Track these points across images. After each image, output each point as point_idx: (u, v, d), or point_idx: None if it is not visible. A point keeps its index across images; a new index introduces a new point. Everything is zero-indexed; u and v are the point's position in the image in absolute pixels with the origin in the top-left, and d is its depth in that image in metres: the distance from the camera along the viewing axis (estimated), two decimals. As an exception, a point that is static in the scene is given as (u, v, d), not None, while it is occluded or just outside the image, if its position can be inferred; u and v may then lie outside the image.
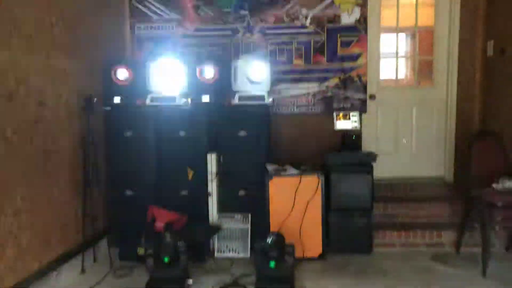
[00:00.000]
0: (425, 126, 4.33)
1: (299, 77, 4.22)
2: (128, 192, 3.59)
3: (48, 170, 2.98)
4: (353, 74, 4.17)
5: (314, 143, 4.13)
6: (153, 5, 4.22)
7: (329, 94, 4.20)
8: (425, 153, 4.34)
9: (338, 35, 4.14)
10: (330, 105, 4.19)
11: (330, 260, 3.42)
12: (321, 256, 3.42)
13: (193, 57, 4.19)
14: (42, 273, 2.86)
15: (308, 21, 4.16)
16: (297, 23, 4.17)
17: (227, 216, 3.60)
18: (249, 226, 3.56)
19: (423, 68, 4.57)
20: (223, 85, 3.79)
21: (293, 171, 3.49)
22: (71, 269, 3.16)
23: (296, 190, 3.38)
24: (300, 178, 3.40)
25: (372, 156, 3.61)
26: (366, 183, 3.52)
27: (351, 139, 3.77)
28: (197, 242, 3.33)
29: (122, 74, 3.64)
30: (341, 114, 3.78)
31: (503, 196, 3.09)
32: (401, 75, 4.69)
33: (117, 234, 3.57)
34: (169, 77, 3.64)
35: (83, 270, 3.23)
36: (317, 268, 3.28)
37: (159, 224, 3.26)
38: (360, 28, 4.12)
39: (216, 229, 3.53)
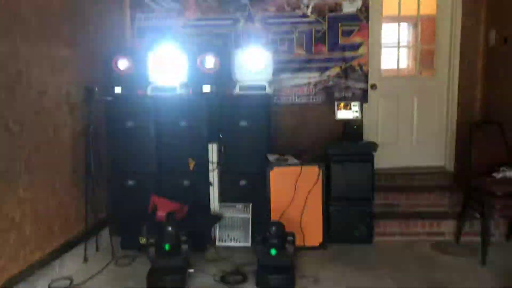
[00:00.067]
0: (426, 116, 4.32)
1: (300, 66, 4.20)
2: (130, 182, 3.61)
3: (50, 160, 2.99)
4: (355, 63, 4.15)
5: (315, 133, 4.14)
6: (153, -6, 4.20)
7: (330, 83, 4.19)
8: (426, 142, 4.34)
9: (340, 24, 4.11)
10: (331, 95, 4.18)
11: (331, 249, 3.44)
12: (322, 245, 3.44)
13: (193, 47, 4.17)
14: (45, 262, 2.90)
15: (310, 10, 4.13)
16: (298, 12, 4.14)
17: (228, 205, 3.63)
18: (250, 215, 3.58)
19: (424, 57, 4.55)
20: (224, 75, 3.79)
21: (294, 161, 3.49)
22: (73, 258, 3.19)
23: (297, 180, 3.39)
24: (301, 168, 3.40)
25: (373, 146, 3.62)
26: (366, 173, 3.53)
27: (352, 129, 3.77)
28: (199, 231, 3.35)
29: (123, 64, 3.64)
30: (342, 104, 3.77)
31: (502, 185, 3.10)
32: (403, 65, 4.67)
33: (119, 224, 3.60)
34: (169, 67, 3.63)
35: (85, 259, 3.26)
36: (318, 257, 3.31)
37: (161, 214, 3.29)
38: (361, 17, 4.09)
39: (217, 218, 3.55)
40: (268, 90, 3.64)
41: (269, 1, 4.13)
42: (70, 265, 3.13)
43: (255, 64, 3.64)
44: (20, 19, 2.68)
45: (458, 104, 4.18)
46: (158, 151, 3.63)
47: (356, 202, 3.56)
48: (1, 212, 2.51)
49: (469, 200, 3.38)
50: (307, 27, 4.14)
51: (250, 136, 3.61)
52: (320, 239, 3.45)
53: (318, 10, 4.11)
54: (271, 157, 3.53)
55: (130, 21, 4.25)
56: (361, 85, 4.17)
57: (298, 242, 3.13)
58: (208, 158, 3.58)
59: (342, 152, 3.61)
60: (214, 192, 3.62)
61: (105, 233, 3.59)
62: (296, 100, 4.22)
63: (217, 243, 3.56)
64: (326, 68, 4.18)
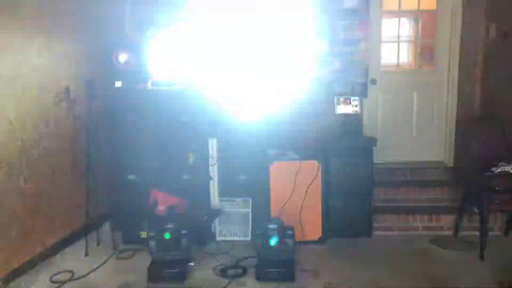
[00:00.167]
0: (426, 111, 4.32)
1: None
2: (131, 176, 3.62)
3: (51, 154, 3.01)
4: (354, 58, 4.14)
5: (315, 128, 4.13)
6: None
7: (330, 78, 4.18)
8: (425, 137, 4.34)
9: (340, 19, 4.10)
10: (331, 90, 4.17)
11: (330, 243, 3.47)
12: (321, 239, 3.46)
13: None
14: (47, 255, 2.93)
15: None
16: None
17: (228, 200, 3.64)
18: (250, 210, 3.60)
19: (424, 52, 4.54)
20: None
21: (293, 156, 3.51)
22: (75, 252, 3.23)
23: (297, 175, 3.40)
24: (301, 162, 3.41)
25: (372, 141, 3.63)
26: (366, 168, 3.54)
27: (352, 124, 3.78)
28: (199, 225, 3.37)
29: (123, 58, 3.63)
30: (341, 99, 3.78)
31: (501, 180, 3.12)
32: (403, 59, 4.65)
33: (120, 218, 3.61)
34: (170, 61, 3.63)
35: (87, 253, 3.28)
36: (317, 251, 3.33)
37: (161, 208, 3.30)
38: (362, 12, 4.07)
39: (217, 213, 3.57)
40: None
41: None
42: (72, 259, 3.16)
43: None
44: (21, 12, 2.68)
45: (458, 99, 4.18)
46: (159, 145, 3.62)
47: (355, 197, 3.58)
48: (3, 205, 2.53)
49: (468, 195, 3.40)
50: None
51: (250, 132, 3.62)
52: (320, 233, 3.47)
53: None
54: (271, 152, 3.55)
55: (130, 14, 4.24)
56: (360, 80, 4.16)
57: (298, 236, 3.15)
58: (208, 153, 3.59)
59: (341, 146, 3.62)
60: (214, 187, 3.64)
61: (106, 227, 3.61)
62: (296, 94, 4.21)
63: (217, 238, 3.58)
64: (326, 63, 4.17)
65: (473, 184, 3.31)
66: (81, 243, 3.30)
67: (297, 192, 3.41)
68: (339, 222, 3.57)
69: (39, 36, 2.88)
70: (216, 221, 3.58)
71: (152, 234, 2.93)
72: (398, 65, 4.45)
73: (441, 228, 3.64)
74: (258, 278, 2.87)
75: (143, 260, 3.07)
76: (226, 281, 2.86)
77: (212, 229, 3.61)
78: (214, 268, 3.03)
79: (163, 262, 2.90)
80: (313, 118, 4.19)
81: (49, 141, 2.99)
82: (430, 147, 4.35)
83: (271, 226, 2.90)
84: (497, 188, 3.06)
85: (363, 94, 4.13)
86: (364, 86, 4.18)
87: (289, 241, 2.92)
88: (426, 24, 4.52)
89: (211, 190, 3.64)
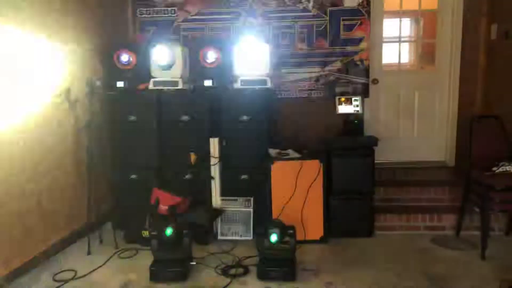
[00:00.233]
0: (427, 110, 4.33)
1: (302, 61, 4.22)
2: (132, 176, 3.63)
3: (53, 154, 3.03)
4: (356, 58, 4.16)
5: (316, 128, 4.15)
6: (155, -11, 4.21)
7: (331, 78, 4.20)
8: (427, 137, 4.36)
9: (341, 19, 4.12)
10: (332, 90, 4.19)
11: (331, 242, 3.47)
12: (322, 239, 3.47)
13: (195, 41, 4.19)
14: (49, 254, 2.94)
15: (311, 4, 4.13)
16: (300, 6, 4.14)
17: (230, 199, 3.65)
18: (251, 209, 3.61)
19: (425, 52, 4.55)
20: (226, 69, 3.80)
21: (295, 155, 3.51)
22: (77, 251, 3.24)
23: (298, 174, 3.41)
24: (302, 162, 3.42)
25: (373, 140, 3.63)
26: (367, 167, 3.55)
27: (353, 124, 3.79)
28: (200, 225, 3.38)
29: (125, 58, 3.65)
30: (343, 99, 3.79)
31: (502, 179, 3.12)
32: (404, 59, 4.67)
33: (122, 217, 3.63)
34: (171, 61, 3.64)
35: (89, 252, 3.30)
36: (318, 250, 3.33)
37: (163, 207, 3.31)
38: (363, 12, 4.09)
39: (219, 212, 3.58)
40: (269, 85, 3.65)
41: (270, -5, 4.14)
42: (74, 258, 3.17)
43: (255, 58, 3.64)
44: (23, 12, 2.69)
45: (459, 98, 4.20)
46: (160, 145, 3.65)
47: (357, 196, 3.58)
48: (5, 204, 2.54)
49: (469, 194, 3.40)
50: (308, 22, 4.15)
51: (251, 130, 3.62)
52: (321, 233, 3.47)
53: (320, 5, 4.11)
54: (272, 151, 3.55)
55: (132, 15, 4.26)
56: (362, 79, 4.18)
57: (299, 236, 3.15)
58: (209, 152, 3.60)
59: (342, 146, 3.62)
60: (215, 186, 3.65)
61: (108, 227, 3.63)
62: (297, 94, 4.24)
63: (219, 237, 3.58)
64: (327, 63, 4.20)
65: (474, 184, 3.31)
66: (83, 242, 3.31)
67: (299, 191, 3.41)
68: (340, 222, 3.57)
69: (41, 37, 2.89)
70: (218, 220, 3.59)
71: (154, 233, 2.94)
72: (399, 65, 4.46)
73: (443, 228, 3.64)
74: (259, 277, 2.87)
75: (145, 259, 3.08)
76: (228, 280, 2.87)
77: (214, 229, 3.62)
78: (216, 267, 3.04)
79: (165, 261, 2.91)
80: (314, 117, 4.21)
81: (51, 141, 3.01)
82: (431, 146, 4.36)
83: (272, 225, 2.90)
84: (498, 188, 3.05)
85: (364, 94, 4.14)
86: (366, 86, 4.19)
87: (290, 240, 2.92)
88: (428, 24, 4.54)
89: (213, 190, 3.65)
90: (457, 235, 3.55)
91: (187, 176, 3.66)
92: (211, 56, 3.69)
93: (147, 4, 4.22)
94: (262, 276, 2.87)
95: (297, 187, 3.41)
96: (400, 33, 4.39)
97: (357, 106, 3.77)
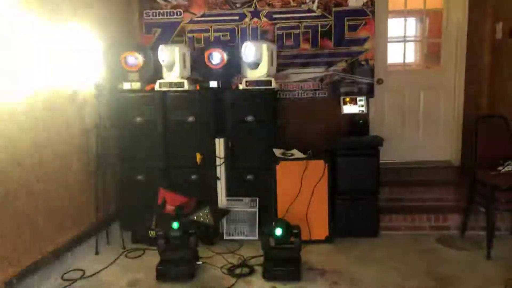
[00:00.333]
0: (433, 110, 4.33)
1: (306, 61, 4.22)
2: (139, 177, 3.67)
3: (61, 154, 3.07)
4: (361, 58, 4.16)
5: (321, 128, 4.16)
6: (161, -10, 4.24)
7: (336, 78, 4.20)
8: (432, 137, 4.35)
9: (346, 19, 4.12)
10: (337, 90, 4.19)
11: (337, 242, 3.48)
12: (328, 239, 3.48)
13: (200, 42, 4.23)
14: (58, 254, 2.98)
15: (315, 5, 4.14)
16: (304, 7, 4.15)
17: (235, 199, 3.68)
18: (257, 209, 3.63)
19: (431, 51, 4.54)
20: (231, 70, 3.83)
21: (300, 155, 3.53)
22: (85, 251, 3.28)
23: (303, 174, 3.42)
24: (307, 162, 3.44)
25: (378, 140, 3.63)
26: (372, 167, 3.55)
27: (358, 124, 3.79)
28: (206, 224, 3.41)
29: (131, 60, 3.68)
30: (348, 99, 3.79)
31: (507, 179, 3.11)
32: (409, 59, 4.66)
33: (129, 217, 3.66)
34: (177, 62, 3.68)
35: (97, 252, 3.35)
36: (324, 250, 3.35)
37: (170, 207, 3.35)
38: (367, 12, 4.09)
39: (225, 212, 3.61)
40: (274, 85, 3.67)
41: (275, -4, 4.15)
42: (82, 257, 3.22)
43: (260, 59, 3.66)
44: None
45: (465, 97, 4.18)
46: (167, 146, 3.69)
47: (362, 196, 3.59)
48: (16, 205, 2.59)
49: (474, 194, 3.39)
50: (313, 22, 4.16)
51: (256, 131, 3.64)
52: (326, 233, 3.49)
53: (324, 5, 4.12)
54: (277, 152, 3.57)
55: (138, 17, 4.30)
56: (367, 79, 4.18)
57: (304, 235, 3.18)
58: (215, 153, 3.63)
59: (347, 146, 3.63)
60: (221, 186, 3.68)
61: (115, 227, 3.67)
62: (302, 94, 4.25)
63: (225, 237, 3.61)
64: (332, 63, 4.20)
65: (480, 184, 3.30)
66: (91, 242, 3.35)
67: (304, 191, 3.43)
68: (345, 222, 3.58)
69: (50, 39, 2.94)
70: (224, 220, 3.62)
71: (160, 233, 2.97)
72: (404, 64, 4.46)
73: (448, 228, 3.64)
74: (264, 277, 2.90)
75: (151, 259, 3.11)
76: (233, 279, 2.90)
77: (220, 229, 3.65)
78: (222, 267, 3.07)
79: (171, 261, 2.94)
80: (319, 118, 4.22)
81: (60, 143, 3.05)
82: (437, 146, 4.35)
83: (278, 224, 2.92)
84: (503, 187, 3.05)
85: (369, 94, 4.14)
86: (371, 85, 4.19)
87: (295, 240, 2.94)
88: (433, 23, 4.53)
89: (219, 190, 3.68)
90: (462, 235, 3.55)
91: (193, 177, 3.69)
92: (216, 57, 3.72)
93: (153, 7, 4.26)
94: (268, 275, 2.89)
95: (302, 187, 3.43)
96: (405, 32, 4.38)
97: (362, 106, 3.78)
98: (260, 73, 3.68)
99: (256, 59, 3.65)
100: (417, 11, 4.53)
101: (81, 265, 3.11)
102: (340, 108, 3.80)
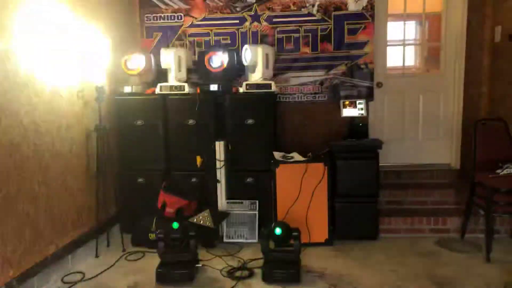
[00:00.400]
0: (432, 113, 4.34)
1: (306, 65, 4.24)
2: (140, 179, 3.69)
3: (63, 157, 3.09)
4: (360, 61, 4.18)
5: (321, 131, 4.18)
6: (162, -6, 4.28)
7: (336, 81, 4.22)
8: (431, 140, 4.36)
9: (345, 23, 4.14)
10: (336, 93, 4.21)
11: (336, 245, 3.49)
12: (327, 242, 3.49)
13: (201, 46, 4.26)
14: (58, 256, 3.00)
15: (315, 9, 4.16)
16: (304, 11, 4.17)
17: (235, 202, 3.69)
18: (256, 212, 3.64)
19: (430, 55, 4.56)
20: (231, 73, 3.86)
21: (299, 158, 3.55)
22: (85, 253, 3.30)
23: (303, 177, 3.44)
24: (307, 165, 3.45)
25: (377, 143, 3.65)
26: (371, 170, 3.56)
27: (358, 127, 3.81)
28: (206, 227, 3.42)
29: (132, 63, 3.71)
30: (347, 102, 3.81)
31: (506, 181, 3.12)
32: (408, 62, 4.67)
33: (129, 220, 3.68)
34: (177, 66, 3.71)
35: (97, 254, 3.36)
36: (323, 253, 3.36)
37: (170, 210, 3.36)
38: (367, 16, 4.11)
39: (225, 215, 3.62)
40: (274, 88, 3.69)
41: (275, 0, 4.18)
42: (83, 260, 3.23)
43: (259, 62, 3.68)
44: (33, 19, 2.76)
45: (464, 101, 4.20)
46: (167, 148, 3.71)
47: (362, 199, 3.60)
48: (17, 207, 2.60)
49: (474, 197, 3.40)
50: (313, 26, 4.18)
51: (256, 134, 3.66)
52: (326, 236, 3.50)
53: (324, 9, 4.14)
54: (277, 155, 3.59)
55: (139, 21, 4.33)
56: (366, 83, 4.20)
57: (304, 238, 3.19)
58: (215, 156, 3.64)
59: (347, 149, 3.65)
60: (221, 189, 3.69)
61: (116, 229, 3.68)
62: (302, 98, 4.26)
63: (225, 240, 3.62)
64: (332, 66, 4.22)
65: (479, 186, 3.31)
66: (91, 245, 3.37)
67: (303, 194, 3.44)
68: (345, 224, 3.59)
69: (52, 43, 2.96)
70: (224, 223, 3.63)
71: (160, 236, 2.98)
72: (404, 68, 4.48)
73: (448, 231, 3.64)
74: (264, 280, 2.90)
75: (151, 262, 3.12)
76: (233, 282, 2.91)
77: (220, 231, 3.66)
78: (221, 270, 3.08)
79: (171, 264, 2.95)
80: (319, 121, 4.24)
81: (61, 145, 3.07)
82: (436, 149, 4.36)
83: (277, 227, 2.93)
84: (502, 190, 3.06)
85: (369, 97, 4.16)
86: (370, 89, 4.21)
87: (295, 242, 2.95)
88: (433, 26, 4.55)
89: (219, 193, 3.69)
90: (462, 237, 3.56)
91: (194, 179, 3.71)
92: (216, 61, 3.75)
93: (154, 11, 4.29)
94: (267, 278, 2.90)
95: (302, 190, 3.44)
96: (404, 36, 4.40)
97: (362, 109, 3.80)
98: (256, 76, 3.72)
99: (253, 63, 3.69)
100: (416, 14, 4.55)
101: (81, 268, 3.12)
102: (339, 111, 3.83)
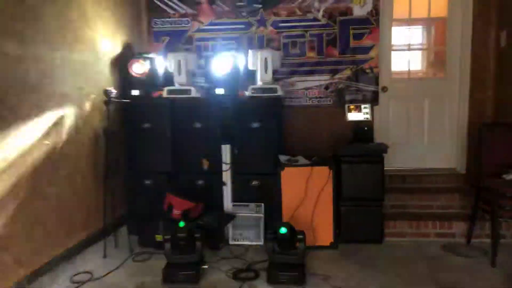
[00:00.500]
0: (437, 118, 4.35)
1: (312, 69, 4.28)
2: (147, 182, 3.73)
3: (72, 159, 3.15)
4: (365, 66, 4.21)
5: (326, 135, 4.21)
6: (170, 0, 4.34)
7: (341, 86, 4.25)
8: (437, 144, 4.36)
9: (350, 28, 4.18)
10: (342, 97, 4.24)
11: (341, 248, 3.50)
12: (332, 245, 3.50)
13: (207, 50, 4.31)
14: (67, 256, 3.05)
15: (321, 14, 4.20)
16: (310, 16, 4.22)
17: (241, 205, 3.72)
18: (262, 215, 3.66)
19: (435, 59, 4.57)
20: (237, 77, 3.90)
21: (304, 161, 3.57)
22: (93, 254, 3.35)
23: (308, 180, 3.46)
24: (312, 168, 3.47)
25: (382, 147, 3.66)
26: (377, 174, 3.57)
27: (363, 131, 3.82)
28: (212, 230, 3.45)
29: (137, 68, 3.77)
30: (352, 106, 3.83)
31: (512, 186, 3.12)
32: (413, 67, 4.69)
33: (137, 222, 3.72)
34: (185, 70, 3.75)
35: (105, 255, 3.40)
36: (328, 256, 3.37)
37: (176, 212, 3.40)
38: (372, 21, 4.14)
39: (231, 217, 3.65)
40: (279, 92, 3.73)
41: (281, 5, 4.23)
42: (90, 260, 3.27)
43: (265, 66, 3.72)
44: (43, 25, 2.83)
45: (469, 105, 4.19)
46: (174, 151, 3.75)
47: (367, 203, 3.61)
48: (27, 207, 2.66)
49: (480, 202, 3.40)
50: (318, 31, 4.22)
51: (262, 137, 3.69)
52: (331, 239, 3.51)
53: (329, 14, 4.19)
54: (283, 158, 3.62)
55: (147, 25, 4.40)
56: (371, 87, 4.22)
57: (309, 241, 3.20)
58: (221, 159, 3.68)
59: (352, 153, 3.66)
60: (227, 192, 3.72)
61: (123, 231, 3.73)
62: (308, 102, 4.30)
63: (230, 242, 3.65)
64: (337, 71, 4.25)
65: (485, 191, 3.31)
66: (99, 246, 3.41)
67: (309, 197, 3.46)
68: (350, 228, 3.60)
69: (61, 49, 3.03)
70: (229, 225, 3.66)
71: (167, 237, 3.02)
72: (409, 72, 4.49)
73: (453, 235, 3.63)
74: (269, 282, 2.92)
75: (158, 263, 3.15)
76: (238, 284, 2.93)
77: (225, 234, 3.68)
78: (227, 271, 3.10)
79: (177, 265, 2.99)
80: (324, 125, 4.26)
81: (70, 148, 3.13)
82: (442, 154, 4.36)
83: (282, 227, 2.95)
84: (508, 195, 3.06)
85: (374, 101, 4.19)
86: (375, 93, 4.23)
87: (300, 245, 2.97)
88: (438, 31, 4.56)
89: (225, 195, 3.72)
90: (467, 242, 3.55)
91: (200, 182, 3.75)
92: (222, 65, 3.79)
93: (162, 15, 4.36)
94: (272, 280, 2.92)
95: (307, 193, 3.46)
96: (409, 41, 4.42)
97: (367, 113, 3.81)
98: (257, 80, 3.75)
99: (255, 67, 3.73)
100: (422, 19, 4.57)
101: (89, 268, 3.16)
102: (345, 116, 3.84)
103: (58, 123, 2.98)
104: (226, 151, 3.68)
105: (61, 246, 3.01)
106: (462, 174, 4.25)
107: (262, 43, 4.28)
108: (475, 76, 4.14)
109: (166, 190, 3.61)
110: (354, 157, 3.64)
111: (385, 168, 3.62)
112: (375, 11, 4.12)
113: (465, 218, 3.61)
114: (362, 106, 3.81)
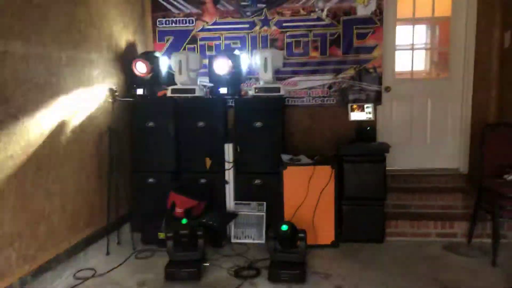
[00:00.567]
0: (440, 118, 4.34)
1: (315, 69, 4.29)
2: (150, 180, 3.77)
3: (76, 157, 3.19)
4: (369, 66, 4.21)
5: (329, 134, 4.23)
6: (174, -1, 4.38)
7: (344, 85, 4.26)
8: (440, 144, 4.36)
9: (354, 27, 4.18)
10: (345, 97, 4.25)
11: (342, 247, 3.52)
12: (334, 244, 3.52)
13: (212, 50, 4.34)
14: (71, 253, 3.09)
15: (324, 13, 4.21)
16: (313, 15, 4.23)
17: (243, 203, 3.74)
18: (264, 213, 3.69)
19: (439, 59, 4.56)
20: (241, 77, 3.92)
21: (307, 161, 3.59)
22: (97, 251, 3.39)
23: (310, 179, 3.47)
24: (314, 167, 3.49)
25: (384, 147, 3.67)
26: (379, 173, 3.59)
27: (365, 130, 3.83)
28: (215, 228, 3.49)
29: (141, 67, 3.79)
30: (355, 106, 3.84)
31: (514, 187, 3.12)
32: (417, 67, 4.68)
33: (140, 220, 3.76)
34: (189, 69, 3.78)
35: (108, 252, 3.44)
36: (329, 255, 3.39)
37: (179, 210, 3.43)
38: (376, 20, 4.14)
39: (233, 216, 3.68)
40: (282, 92, 3.75)
41: (285, 5, 4.24)
42: (94, 257, 3.32)
43: (269, 66, 3.74)
44: (51, 25, 2.87)
45: (473, 105, 4.19)
46: (177, 150, 3.78)
47: (369, 202, 3.62)
48: (32, 204, 2.70)
49: (481, 202, 3.40)
50: (322, 30, 4.23)
51: (264, 137, 3.71)
52: (332, 238, 3.53)
53: (333, 14, 4.19)
54: (285, 157, 3.64)
55: (151, 25, 4.43)
56: (375, 87, 4.23)
57: (311, 240, 3.23)
58: (224, 158, 3.70)
59: (354, 152, 3.67)
60: (229, 190, 3.75)
61: (126, 228, 3.77)
62: (311, 101, 4.31)
63: (232, 240, 3.68)
64: (341, 70, 4.26)
65: (486, 191, 3.31)
66: (102, 243, 3.46)
67: (311, 196, 3.48)
68: (352, 227, 3.62)
69: (68, 49, 3.07)
70: (232, 224, 3.69)
71: (169, 235, 3.05)
72: (412, 72, 4.49)
73: (455, 235, 3.64)
74: (270, 279, 2.95)
75: (160, 260, 3.19)
76: (240, 281, 2.96)
77: (228, 232, 3.71)
78: (229, 269, 3.13)
79: (180, 262, 3.02)
80: (327, 124, 4.28)
81: (75, 146, 3.17)
82: (444, 154, 4.36)
83: (284, 225, 2.97)
84: (509, 195, 3.06)
85: (377, 101, 4.19)
86: (378, 93, 4.24)
87: (301, 244, 2.99)
88: (441, 31, 4.55)
89: (227, 194, 3.75)
90: (469, 242, 3.55)
91: (203, 180, 3.78)
92: (224, 65, 3.81)
93: (166, 15, 4.39)
94: (273, 278, 2.94)
95: (309, 192, 3.48)
96: (413, 41, 4.42)
97: (370, 113, 3.82)
98: (260, 80, 3.79)
99: (256, 67, 3.76)
100: (426, 19, 4.56)
101: (93, 265, 3.21)
102: (347, 115, 3.86)
103: (63, 122, 3.02)
104: (229, 150, 3.71)
105: (65, 242, 3.05)
106: (465, 174, 4.25)
107: (266, 43, 4.29)
108: (478, 76, 4.13)
109: (169, 188, 3.64)
110: (356, 156, 3.65)
111: (387, 168, 3.63)
112: (379, 11, 4.12)
113: (467, 218, 3.61)
114: (365, 105, 3.82)
